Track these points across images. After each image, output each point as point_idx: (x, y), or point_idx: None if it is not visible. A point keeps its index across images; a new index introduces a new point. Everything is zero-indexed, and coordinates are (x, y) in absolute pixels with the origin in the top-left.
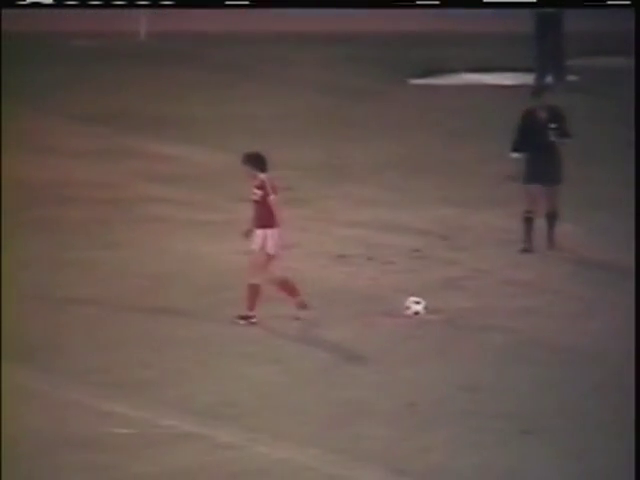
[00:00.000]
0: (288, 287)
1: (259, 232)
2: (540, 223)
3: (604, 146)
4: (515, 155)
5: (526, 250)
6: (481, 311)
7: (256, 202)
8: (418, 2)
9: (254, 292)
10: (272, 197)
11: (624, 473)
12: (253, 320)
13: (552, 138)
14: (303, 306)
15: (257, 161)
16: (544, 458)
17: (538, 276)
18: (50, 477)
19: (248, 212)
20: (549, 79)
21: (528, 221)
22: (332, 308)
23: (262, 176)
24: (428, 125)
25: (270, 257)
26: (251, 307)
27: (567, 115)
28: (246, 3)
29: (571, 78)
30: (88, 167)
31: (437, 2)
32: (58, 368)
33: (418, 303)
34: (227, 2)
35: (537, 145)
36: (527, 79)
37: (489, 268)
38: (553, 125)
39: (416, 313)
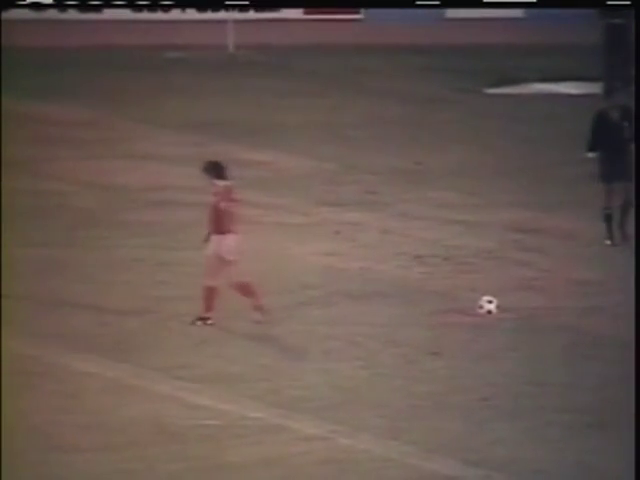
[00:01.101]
0: (248, 291)
1: (214, 237)
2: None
3: None
4: (591, 155)
5: (613, 244)
6: (551, 310)
7: (212, 208)
8: (418, 2)
9: (210, 294)
10: (223, 204)
11: None
12: (209, 322)
13: (626, 136)
14: (260, 309)
15: (214, 169)
16: (610, 451)
17: (606, 275)
18: (144, 466)
19: (332, 215)
20: (618, 86)
21: (608, 217)
22: (410, 306)
23: (220, 184)
24: (503, 132)
25: (227, 262)
26: (208, 309)
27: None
28: (246, 3)
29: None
30: (183, 172)
31: (437, 2)
32: (153, 364)
33: (491, 302)
34: (227, 2)
35: (611, 144)
36: (595, 88)
37: (559, 268)
38: (626, 124)
39: (489, 312)
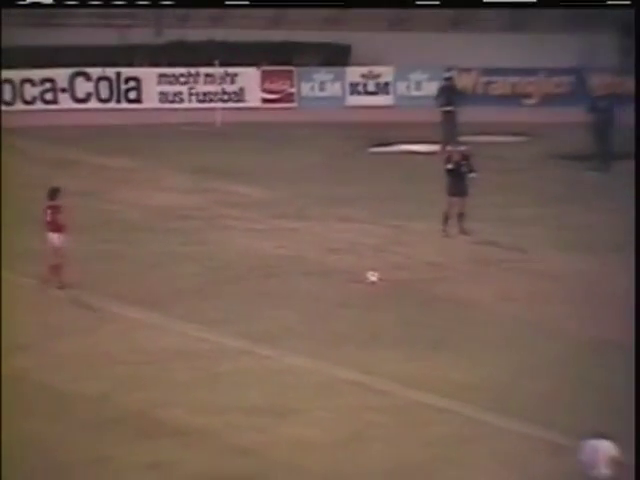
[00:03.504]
0: (58, 271)
1: (50, 235)
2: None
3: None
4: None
5: (448, 237)
6: (411, 280)
7: (51, 217)
8: (418, 2)
9: (55, 269)
10: (60, 216)
11: None
12: (59, 286)
13: (463, 170)
14: (62, 287)
15: (49, 192)
16: None
17: (445, 258)
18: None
19: (280, 224)
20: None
21: (445, 219)
22: (327, 278)
23: (53, 202)
24: (382, 173)
25: (58, 249)
26: (60, 280)
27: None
28: (246, 3)
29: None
30: (189, 198)
31: (437, 2)
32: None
33: (374, 275)
34: (227, 2)
35: (454, 174)
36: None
37: (417, 254)
38: (464, 162)
39: (373, 282)
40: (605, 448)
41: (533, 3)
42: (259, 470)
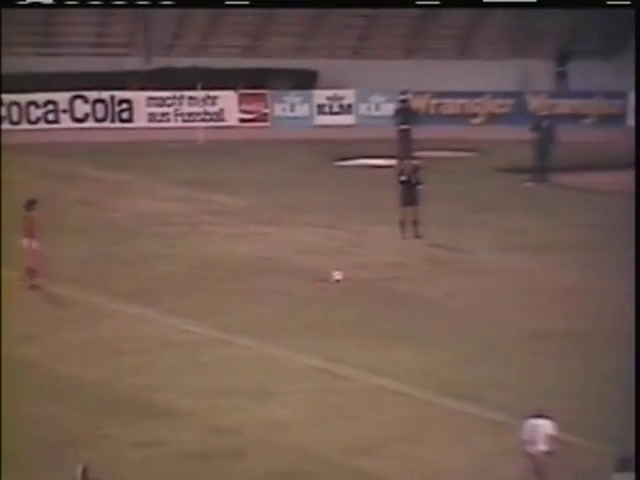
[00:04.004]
0: (34, 272)
1: (25, 240)
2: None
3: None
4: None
5: (405, 239)
6: (370, 279)
7: (27, 225)
8: (418, 2)
9: (29, 271)
10: (34, 224)
11: None
12: (36, 284)
13: (413, 182)
14: (33, 288)
15: (26, 203)
16: None
17: (402, 258)
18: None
19: (256, 229)
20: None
21: (402, 225)
22: (294, 277)
23: (29, 213)
24: (337, 183)
25: (32, 252)
26: (37, 279)
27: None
28: (246, 3)
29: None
30: (178, 206)
31: (437, 2)
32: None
33: (338, 274)
34: (227, 2)
35: (405, 185)
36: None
37: (376, 255)
38: (413, 175)
39: (337, 280)
40: (544, 427)
41: (533, 3)
42: (238, 446)
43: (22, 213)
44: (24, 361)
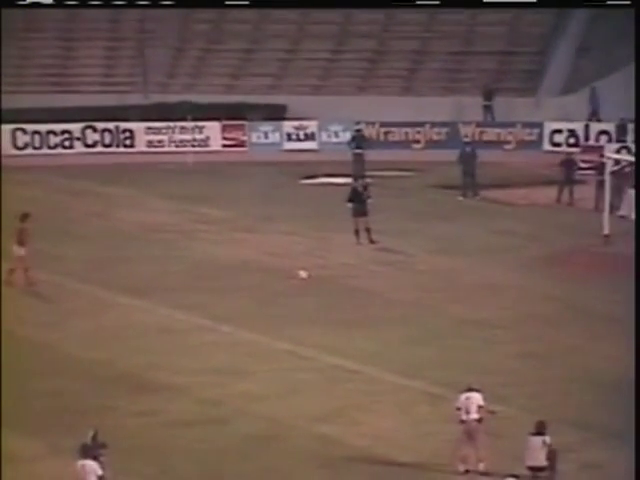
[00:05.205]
0: (13, 273)
1: (15, 247)
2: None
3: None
4: (349, 205)
5: (360, 244)
6: (334, 277)
7: (19, 235)
8: (418, 2)
9: (12, 272)
10: (25, 234)
11: None
12: (8, 284)
13: (364, 197)
14: (9, 285)
15: (21, 216)
16: None
17: (358, 260)
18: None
19: (237, 236)
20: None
21: (356, 233)
22: (268, 275)
23: (22, 225)
24: (308, 197)
25: (20, 257)
26: (11, 281)
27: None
28: (246, 3)
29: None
30: (171, 217)
31: (437, 2)
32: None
33: (304, 273)
34: (227, 2)
35: (356, 200)
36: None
37: (336, 257)
38: (365, 190)
39: (303, 278)
40: (475, 398)
41: (533, 3)
42: (221, 415)
43: (17, 224)
44: (46, 344)
